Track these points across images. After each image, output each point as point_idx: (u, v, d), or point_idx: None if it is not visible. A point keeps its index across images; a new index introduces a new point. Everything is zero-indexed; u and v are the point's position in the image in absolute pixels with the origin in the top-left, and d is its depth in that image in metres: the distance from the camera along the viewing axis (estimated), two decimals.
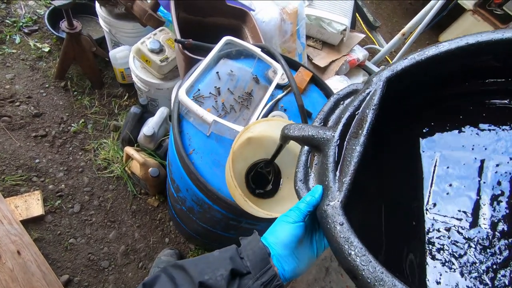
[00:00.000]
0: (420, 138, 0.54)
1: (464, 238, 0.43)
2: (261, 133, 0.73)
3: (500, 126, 0.48)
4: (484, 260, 0.41)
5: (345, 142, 0.48)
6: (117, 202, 1.55)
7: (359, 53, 1.93)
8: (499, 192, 0.43)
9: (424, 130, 0.55)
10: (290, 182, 0.76)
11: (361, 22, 2.35)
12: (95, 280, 1.36)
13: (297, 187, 0.51)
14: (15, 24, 1.88)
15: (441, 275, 0.42)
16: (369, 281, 0.34)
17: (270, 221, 0.56)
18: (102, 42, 1.81)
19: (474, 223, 0.42)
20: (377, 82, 0.50)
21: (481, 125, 0.49)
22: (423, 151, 0.52)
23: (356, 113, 0.50)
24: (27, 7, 1.97)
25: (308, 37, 1.90)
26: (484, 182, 0.45)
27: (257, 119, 0.82)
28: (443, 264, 0.42)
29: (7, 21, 1.88)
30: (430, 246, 0.44)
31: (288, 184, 0.75)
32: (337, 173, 0.45)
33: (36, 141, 1.59)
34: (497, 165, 0.46)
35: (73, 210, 1.48)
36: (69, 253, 1.39)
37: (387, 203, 0.52)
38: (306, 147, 0.54)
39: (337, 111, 0.56)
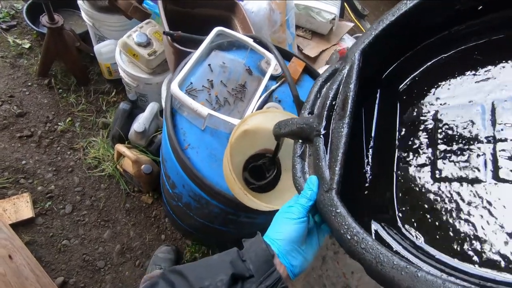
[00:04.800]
0: (409, 99, 0.54)
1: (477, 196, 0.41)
2: (257, 125, 0.72)
3: (488, 66, 0.47)
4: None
5: (331, 127, 0.47)
6: (110, 201, 1.52)
7: (349, 42, 1.93)
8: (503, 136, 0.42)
9: (413, 90, 0.54)
10: (288, 173, 0.75)
11: (349, 11, 2.34)
12: (91, 280, 1.34)
13: (295, 182, 0.51)
14: None
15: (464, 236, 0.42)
16: (370, 262, 0.35)
17: (269, 213, 0.55)
18: (86, 36, 1.74)
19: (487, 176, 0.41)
20: (352, 57, 0.49)
21: (473, 69, 0.49)
22: (417, 112, 0.52)
23: (338, 94, 0.49)
24: (4, 1, 1.88)
25: (297, 27, 1.88)
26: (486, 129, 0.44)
27: (252, 111, 0.81)
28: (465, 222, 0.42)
29: None
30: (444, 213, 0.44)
31: (286, 176, 0.75)
32: (328, 160, 0.45)
33: (22, 141, 1.53)
34: (496, 104, 0.44)
35: (65, 211, 1.44)
36: (63, 255, 1.36)
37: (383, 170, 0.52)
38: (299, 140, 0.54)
39: (321, 97, 0.56)
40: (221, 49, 0.94)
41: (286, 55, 0.99)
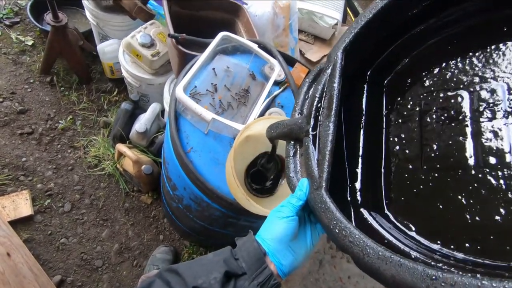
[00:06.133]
0: (395, 92, 0.55)
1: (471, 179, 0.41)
2: (260, 131, 0.72)
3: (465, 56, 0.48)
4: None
5: (319, 126, 0.48)
6: (109, 200, 1.52)
7: None
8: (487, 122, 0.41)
9: (398, 83, 0.55)
10: None
11: (352, 17, 2.35)
12: (88, 279, 1.34)
13: (289, 181, 0.52)
14: None
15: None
16: (358, 254, 0.36)
17: None
18: (89, 35, 1.74)
19: (478, 166, 0.40)
20: (334, 56, 0.50)
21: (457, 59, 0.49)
22: (403, 106, 0.53)
23: (324, 93, 0.50)
24: None
25: (300, 31, 1.89)
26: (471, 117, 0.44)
27: (255, 116, 0.82)
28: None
29: None
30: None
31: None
32: (317, 158, 0.46)
33: (22, 138, 1.53)
34: (474, 93, 0.44)
35: (64, 209, 1.44)
36: (61, 253, 1.36)
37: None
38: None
39: (309, 97, 0.56)
40: (225, 53, 0.94)
41: (289, 61, 1.00)
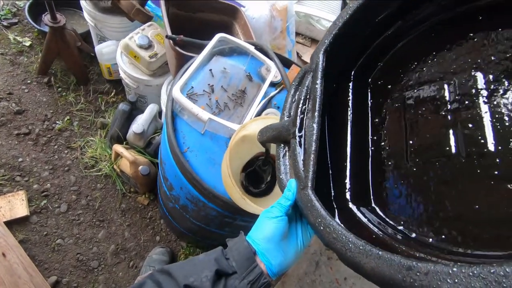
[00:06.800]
0: (379, 88, 0.56)
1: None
2: (256, 131, 0.73)
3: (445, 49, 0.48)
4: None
5: (304, 127, 0.49)
6: (105, 201, 1.52)
7: None
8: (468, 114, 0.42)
9: (381, 79, 0.56)
10: None
11: None
12: (84, 280, 1.34)
13: (279, 182, 0.53)
14: None
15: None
16: (341, 250, 0.37)
17: None
18: (87, 36, 1.75)
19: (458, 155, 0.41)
20: (316, 58, 0.51)
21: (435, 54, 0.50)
22: (387, 100, 0.54)
23: (308, 94, 0.51)
24: None
25: (297, 34, 1.91)
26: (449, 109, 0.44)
27: (251, 117, 0.82)
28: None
29: None
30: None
31: None
32: (302, 159, 0.47)
33: (19, 139, 1.53)
34: (458, 84, 0.45)
35: (60, 210, 1.44)
36: (56, 254, 1.35)
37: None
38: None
39: (296, 100, 0.58)
40: (222, 54, 0.95)
41: (285, 63, 1.01)
